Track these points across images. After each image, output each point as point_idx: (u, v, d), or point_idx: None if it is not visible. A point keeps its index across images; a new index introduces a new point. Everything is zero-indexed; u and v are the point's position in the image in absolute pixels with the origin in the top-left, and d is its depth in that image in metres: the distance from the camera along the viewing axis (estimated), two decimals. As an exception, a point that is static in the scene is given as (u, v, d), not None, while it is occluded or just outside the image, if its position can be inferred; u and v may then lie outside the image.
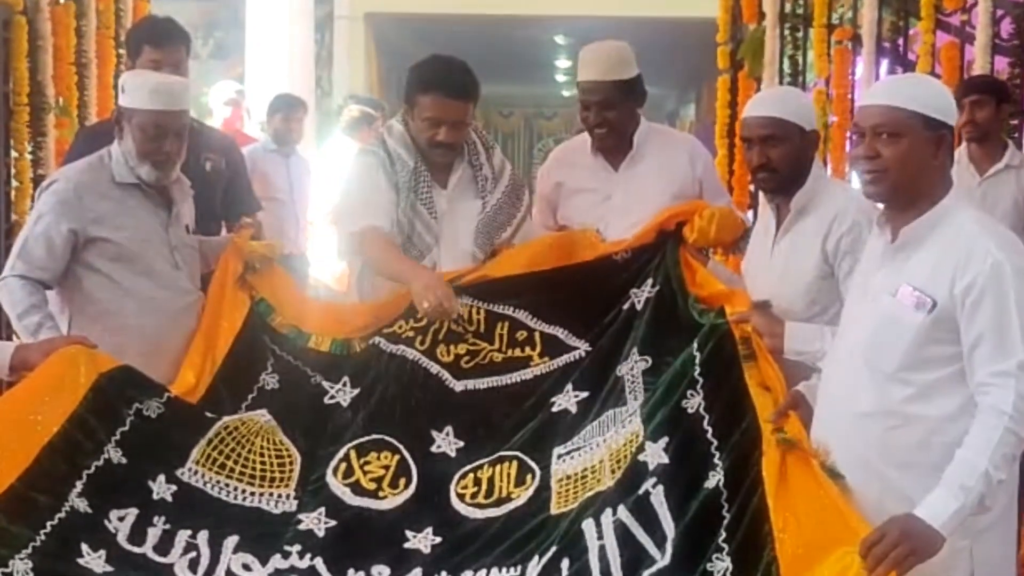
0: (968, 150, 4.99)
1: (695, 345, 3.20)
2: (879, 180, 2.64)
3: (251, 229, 3.82)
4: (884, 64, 5.77)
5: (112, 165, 3.59)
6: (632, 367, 3.45)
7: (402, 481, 3.35)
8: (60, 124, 5.37)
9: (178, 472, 3.19)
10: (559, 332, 3.66)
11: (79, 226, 3.49)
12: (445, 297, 3.49)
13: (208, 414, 3.37)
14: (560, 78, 19.34)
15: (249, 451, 3.31)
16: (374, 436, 3.43)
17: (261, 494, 3.26)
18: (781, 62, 6.33)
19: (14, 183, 5.16)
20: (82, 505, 2.94)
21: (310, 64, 11.21)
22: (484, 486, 3.34)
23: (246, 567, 3.04)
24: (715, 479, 2.86)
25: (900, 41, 5.77)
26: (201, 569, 3.00)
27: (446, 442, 3.46)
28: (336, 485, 3.31)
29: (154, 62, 4.05)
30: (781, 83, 6.21)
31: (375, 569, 3.10)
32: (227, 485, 3.24)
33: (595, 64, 3.88)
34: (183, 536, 3.06)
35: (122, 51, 5.95)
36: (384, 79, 14.06)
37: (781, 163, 3.23)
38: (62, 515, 2.89)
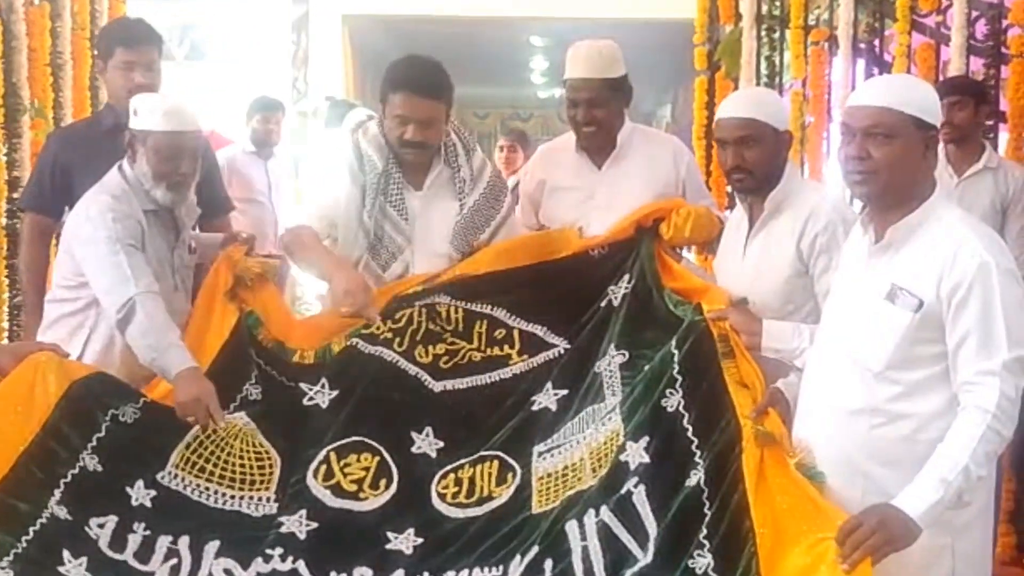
0: (946, 151, 4.98)
1: (673, 343, 3.21)
2: (870, 181, 2.65)
3: (246, 245, 3.80)
4: (860, 65, 5.79)
5: (134, 193, 3.57)
6: (609, 362, 3.46)
7: (383, 482, 3.34)
8: (35, 125, 5.33)
9: (158, 476, 3.17)
10: (538, 330, 3.66)
11: (138, 235, 3.50)
12: (363, 304, 3.49)
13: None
14: (536, 79, 19.33)
15: (228, 454, 3.29)
16: (354, 438, 3.42)
17: (241, 497, 3.24)
18: (758, 63, 6.35)
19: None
20: (62, 512, 2.94)
21: (286, 65, 11.20)
22: (465, 485, 3.34)
23: (228, 572, 3.04)
24: (696, 477, 2.87)
25: (876, 42, 5.78)
26: (183, 575, 3.00)
27: (426, 443, 3.46)
28: (317, 487, 3.30)
29: (127, 63, 4.02)
30: (758, 84, 6.24)
31: (357, 571, 3.10)
32: (207, 489, 3.22)
33: (585, 61, 3.87)
34: (164, 542, 3.05)
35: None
36: (360, 80, 14.02)
37: (756, 164, 3.25)
38: (43, 521, 2.89)
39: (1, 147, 5.11)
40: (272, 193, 7.00)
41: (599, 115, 3.88)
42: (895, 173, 2.63)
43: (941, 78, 5.29)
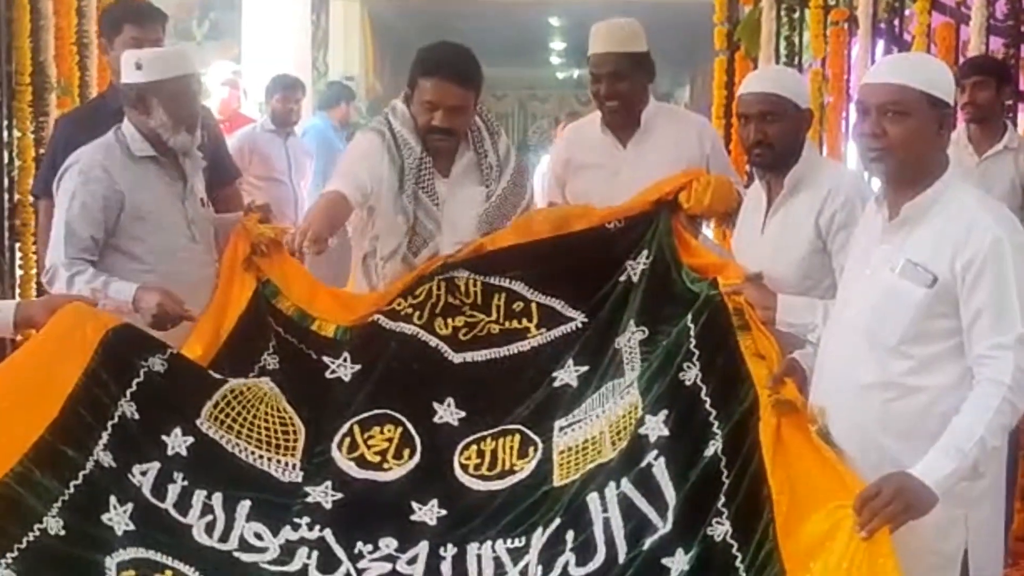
0: (967, 131, 5.02)
1: (689, 317, 3.24)
2: (885, 157, 2.68)
3: (260, 212, 3.84)
4: (880, 44, 5.80)
5: (128, 141, 3.64)
6: (629, 338, 3.49)
7: (406, 452, 3.39)
8: (62, 104, 5.34)
9: (196, 422, 3.24)
10: (555, 303, 3.68)
11: (110, 193, 3.55)
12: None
13: (214, 375, 3.40)
14: (554, 60, 19.37)
15: (255, 416, 3.34)
16: (376, 411, 3.47)
17: (269, 458, 3.30)
18: (777, 43, 6.33)
19: (17, 162, 5.16)
20: (107, 459, 3.00)
21: (306, 45, 11.24)
22: (487, 458, 3.39)
23: (258, 536, 3.11)
24: (714, 447, 2.92)
25: (896, 21, 5.80)
26: (216, 534, 3.07)
27: (448, 412, 3.50)
28: (341, 459, 3.35)
29: (135, 39, 4.09)
30: (777, 64, 6.23)
31: (383, 541, 3.16)
32: (237, 444, 3.28)
33: (607, 36, 3.93)
34: (200, 496, 3.11)
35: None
36: (379, 60, 14.08)
37: (777, 139, 3.29)
38: (90, 467, 2.95)
39: (29, 125, 5.14)
40: (292, 171, 7.03)
41: (621, 88, 3.92)
42: (910, 150, 2.66)
43: (961, 58, 5.31)
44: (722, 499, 2.80)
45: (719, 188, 3.64)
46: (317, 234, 3.43)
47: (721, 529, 2.76)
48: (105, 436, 3.04)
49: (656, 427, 3.09)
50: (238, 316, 3.58)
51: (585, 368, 3.54)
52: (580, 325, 3.64)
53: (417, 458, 3.39)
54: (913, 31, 5.57)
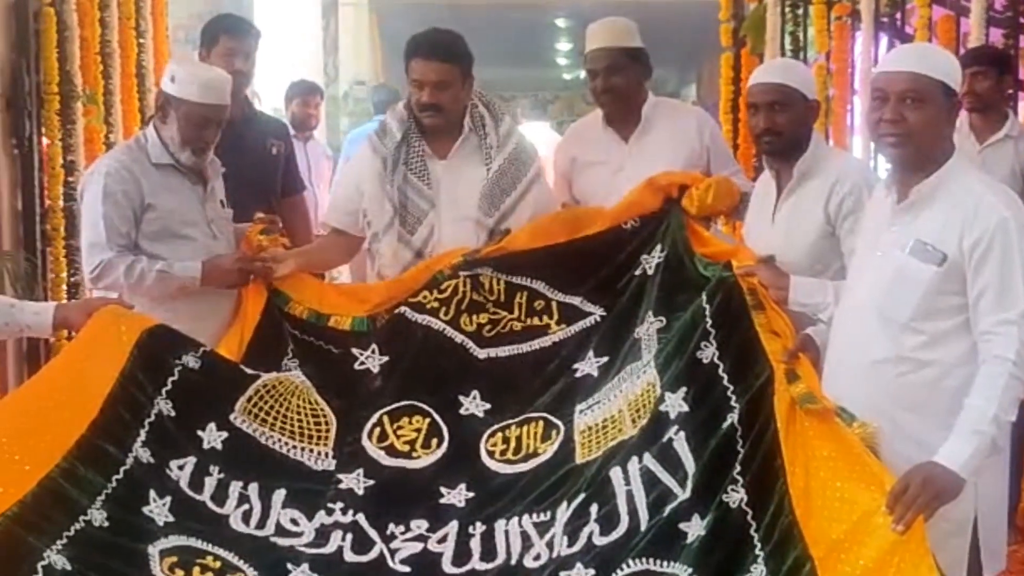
0: (969, 119, 5.10)
1: (704, 297, 3.33)
2: (903, 143, 2.79)
3: (264, 224, 3.96)
4: (883, 38, 5.87)
5: (148, 147, 3.78)
6: (648, 328, 3.58)
7: (434, 441, 3.51)
8: (88, 112, 5.48)
9: (230, 417, 3.34)
10: (575, 300, 3.78)
11: (135, 194, 3.69)
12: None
13: (247, 371, 3.50)
14: (561, 61, 19.42)
15: (287, 409, 3.45)
16: (405, 402, 3.58)
17: (301, 448, 3.41)
18: (783, 38, 6.42)
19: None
20: (145, 455, 3.11)
21: (317, 50, 11.33)
22: (512, 444, 3.49)
23: (294, 522, 3.22)
24: (731, 419, 3.02)
25: (898, 15, 5.87)
26: (253, 521, 3.17)
27: (473, 404, 3.61)
28: (372, 448, 3.47)
29: (230, 50, 4.42)
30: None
31: (414, 523, 3.28)
32: (271, 436, 3.39)
33: (601, 33, 4.08)
34: (236, 487, 3.23)
35: (143, 40, 6.12)
36: (387, 65, 14.18)
37: (785, 128, 3.40)
38: (129, 465, 3.05)
39: (57, 133, 5.27)
40: (311, 174, 7.13)
41: (617, 82, 4.05)
42: (926, 136, 2.77)
43: (962, 50, 5.39)
44: (737, 467, 2.91)
45: (719, 188, 3.71)
46: (278, 271, 3.83)
47: (736, 496, 2.86)
48: (143, 433, 3.14)
49: (676, 403, 3.19)
50: (254, 326, 3.70)
51: (605, 359, 3.64)
52: (599, 319, 3.74)
53: (445, 447, 3.50)
54: (915, 24, 5.63)
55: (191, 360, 3.36)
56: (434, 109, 3.87)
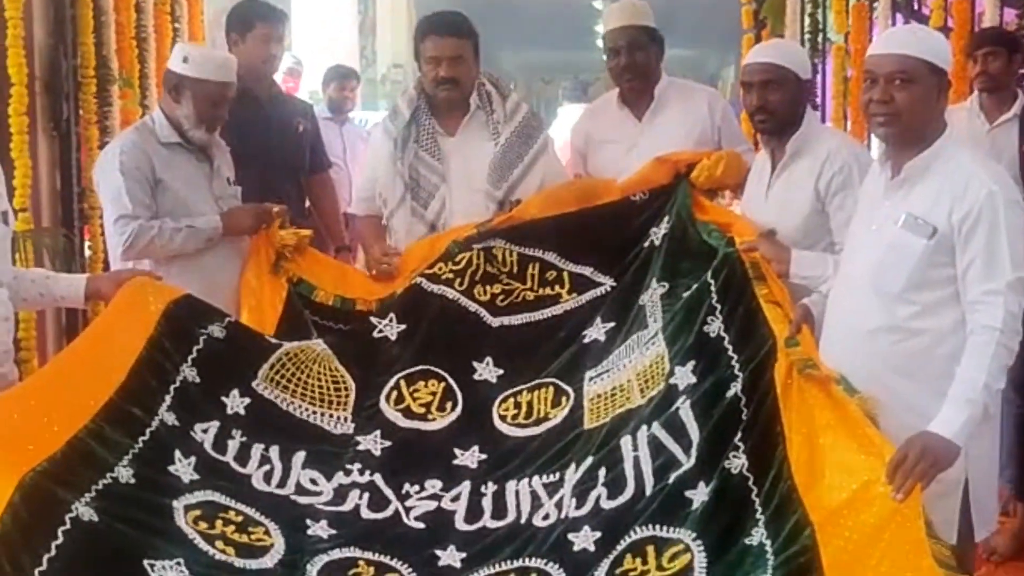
0: (980, 99, 5.14)
1: (709, 273, 3.44)
2: (892, 122, 2.89)
3: (278, 219, 4.08)
4: (899, 19, 5.93)
5: (156, 128, 3.98)
6: (651, 295, 3.70)
7: (449, 405, 3.64)
8: (124, 95, 5.61)
9: (252, 384, 3.48)
10: (586, 271, 3.92)
11: (147, 167, 3.88)
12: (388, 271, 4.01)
13: (271, 339, 3.64)
14: (599, 43, 19.40)
15: (308, 375, 3.57)
16: (421, 367, 3.72)
17: (322, 414, 3.54)
18: (802, 20, 6.52)
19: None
20: (170, 419, 3.20)
21: (354, 34, 11.44)
22: (524, 408, 3.62)
23: (313, 482, 3.33)
24: (735, 388, 3.11)
25: (914, -3, 5.96)
26: (274, 481, 3.27)
27: (487, 370, 3.75)
28: (389, 411, 3.60)
29: (265, 35, 4.65)
30: (802, 40, 6.41)
31: (428, 483, 3.39)
32: (291, 402, 3.51)
33: (620, 13, 4.23)
34: (258, 449, 3.33)
35: (178, 25, 6.28)
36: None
37: (778, 106, 3.50)
38: (154, 427, 3.14)
39: (94, 115, 5.39)
40: (347, 156, 7.27)
41: (639, 59, 4.19)
42: (915, 114, 2.87)
43: (977, 30, 5.45)
44: (739, 434, 2.98)
45: (730, 161, 3.85)
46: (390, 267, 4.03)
47: (737, 462, 2.93)
48: (168, 398, 3.23)
49: (685, 376, 3.29)
50: (277, 319, 3.82)
51: (612, 324, 3.76)
52: (608, 288, 3.87)
53: (459, 410, 3.63)
54: (931, 5, 5.70)
55: (216, 329, 3.49)
56: (451, 83, 4.05)
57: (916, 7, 5.92)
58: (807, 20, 6.52)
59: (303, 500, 3.26)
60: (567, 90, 12.03)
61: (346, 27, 11.29)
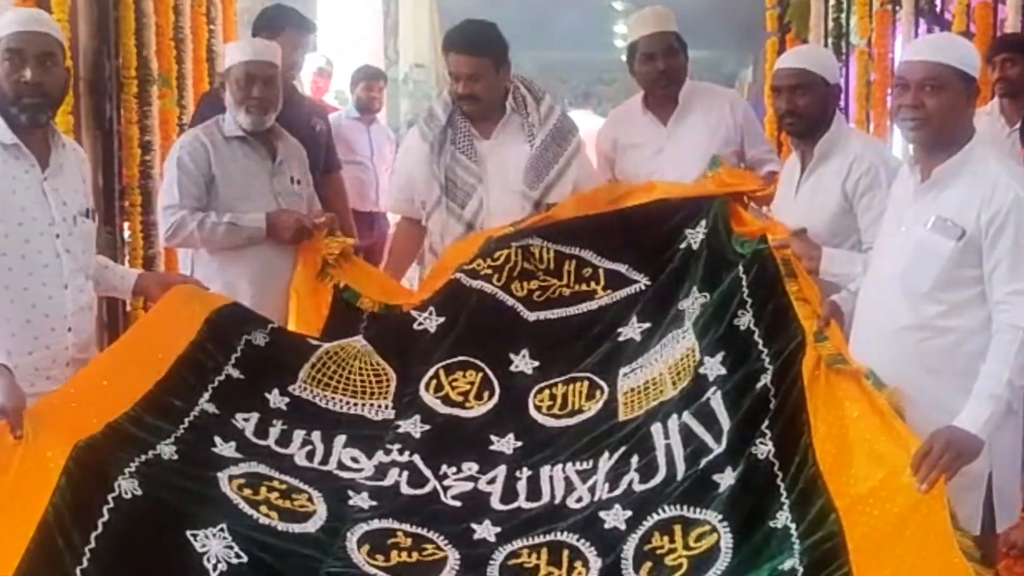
0: (1000, 104, 5.21)
1: (741, 268, 3.54)
2: (923, 127, 2.97)
3: (327, 226, 4.16)
4: (922, 24, 6.03)
5: (223, 124, 4.13)
6: (693, 302, 3.77)
7: (486, 394, 3.74)
8: (162, 95, 5.72)
9: (290, 387, 3.57)
10: (621, 268, 4.00)
11: (205, 164, 4.03)
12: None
13: (311, 341, 3.76)
14: (619, 43, 19.39)
15: (349, 371, 3.69)
16: (460, 358, 3.83)
17: (362, 404, 3.65)
18: (826, 24, 6.59)
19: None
20: (211, 408, 3.30)
21: (378, 33, 11.47)
22: (559, 400, 3.72)
23: (354, 460, 3.43)
24: (764, 379, 3.19)
25: (937, 2, 6.03)
26: (316, 459, 3.37)
27: (523, 362, 3.85)
28: (428, 398, 3.71)
29: (294, 42, 4.80)
30: (826, 44, 6.48)
31: (465, 465, 3.48)
32: (332, 398, 3.62)
33: (652, 19, 4.32)
34: (299, 434, 3.43)
35: (213, 26, 6.38)
36: (447, 47, 14.25)
37: (806, 109, 3.61)
38: (194, 415, 3.24)
39: (135, 114, 5.50)
40: (374, 156, 7.36)
41: (674, 65, 4.30)
42: (944, 120, 2.96)
43: (998, 35, 5.54)
44: (767, 422, 3.07)
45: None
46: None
47: (764, 448, 3.02)
48: (209, 391, 3.34)
49: (714, 367, 3.39)
50: (323, 323, 3.95)
51: (648, 325, 3.84)
52: (644, 287, 3.95)
53: (496, 400, 3.73)
54: (953, 10, 5.76)
55: (259, 336, 3.61)
56: (470, 99, 4.17)
57: (939, 12, 5.99)
58: (831, 24, 6.59)
59: (345, 475, 3.36)
60: (568, 96, 12.16)
61: (372, 28, 11.32)
